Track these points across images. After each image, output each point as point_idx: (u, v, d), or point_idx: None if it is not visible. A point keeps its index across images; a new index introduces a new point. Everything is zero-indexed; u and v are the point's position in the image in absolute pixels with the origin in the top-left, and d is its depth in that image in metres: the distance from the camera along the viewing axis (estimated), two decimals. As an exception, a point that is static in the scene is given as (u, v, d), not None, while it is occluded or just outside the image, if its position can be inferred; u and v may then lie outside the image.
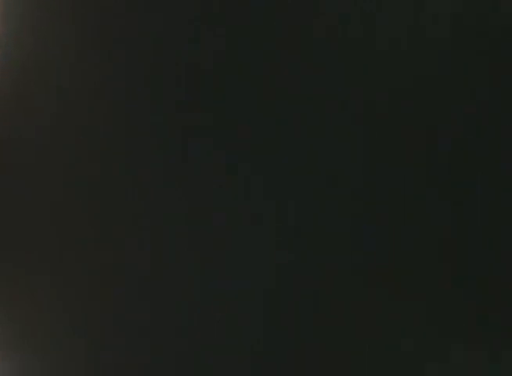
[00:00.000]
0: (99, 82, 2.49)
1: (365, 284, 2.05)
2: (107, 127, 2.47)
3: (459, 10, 1.99)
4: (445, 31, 2.00)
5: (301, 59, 2.10)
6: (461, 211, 2.02)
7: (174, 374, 2.12)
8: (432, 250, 2.02)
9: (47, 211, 2.41)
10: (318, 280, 2.09)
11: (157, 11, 2.46)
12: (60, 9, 2.50)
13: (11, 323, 2.21)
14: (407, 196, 2.04)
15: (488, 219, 2.00)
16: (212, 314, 2.18)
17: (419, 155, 2.03)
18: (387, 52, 2.04)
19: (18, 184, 2.43)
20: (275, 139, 2.13)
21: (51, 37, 2.49)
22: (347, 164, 2.06)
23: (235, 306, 2.17)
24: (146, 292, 2.30)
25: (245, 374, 2.08)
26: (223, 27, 2.19)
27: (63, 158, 2.45)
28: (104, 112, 2.49)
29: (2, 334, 2.19)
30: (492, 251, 2.00)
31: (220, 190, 2.23)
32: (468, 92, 1.98)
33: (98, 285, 2.30)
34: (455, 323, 2.02)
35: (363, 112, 2.05)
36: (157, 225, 2.40)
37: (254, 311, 2.14)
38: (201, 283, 2.25)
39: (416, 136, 2.04)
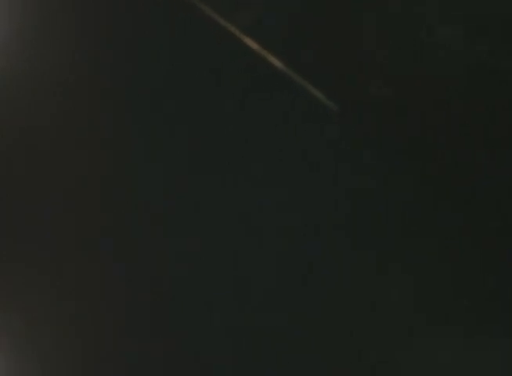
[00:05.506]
0: (99, 82, 2.49)
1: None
2: (107, 127, 2.48)
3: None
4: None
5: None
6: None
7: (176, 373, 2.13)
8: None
9: (47, 211, 2.41)
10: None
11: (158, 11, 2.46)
12: (60, 10, 2.50)
13: (11, 324, 2.22)
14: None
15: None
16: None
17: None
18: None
19: (18, 184, 2.43)
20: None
21: (51, 38, 2.49)
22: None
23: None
24: (146, 292, 2.30)
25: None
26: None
27: (63, 158, 2.45)
28: (104, 112, 2.50)
29: (2, 334, 2.19)
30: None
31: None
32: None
33: (98, 285, 2.30)
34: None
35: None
36: (157, 224, 2.40)
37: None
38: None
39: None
